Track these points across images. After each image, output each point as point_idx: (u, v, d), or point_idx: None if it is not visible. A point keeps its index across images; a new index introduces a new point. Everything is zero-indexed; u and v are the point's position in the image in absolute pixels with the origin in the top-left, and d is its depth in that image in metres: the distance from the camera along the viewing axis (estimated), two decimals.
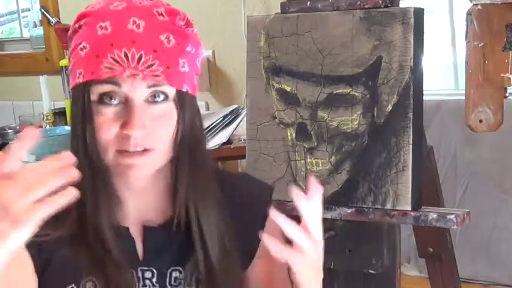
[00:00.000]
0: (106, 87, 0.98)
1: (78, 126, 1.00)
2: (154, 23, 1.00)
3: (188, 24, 1.03)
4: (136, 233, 1.06)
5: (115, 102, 0.98)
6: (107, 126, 0.98)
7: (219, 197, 1.08)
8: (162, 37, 0.99)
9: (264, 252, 1.10)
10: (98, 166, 1.01)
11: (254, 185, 1.19)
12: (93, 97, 0.98)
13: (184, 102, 1.01)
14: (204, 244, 1.04)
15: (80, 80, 0.98)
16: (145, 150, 0.99)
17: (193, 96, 1.04)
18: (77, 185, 0.95)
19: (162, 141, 1.00)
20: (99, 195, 1.02)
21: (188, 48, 1.02)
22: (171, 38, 1.00)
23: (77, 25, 1.02)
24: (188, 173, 1.04)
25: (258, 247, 1.10)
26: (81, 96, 0.99)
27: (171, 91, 1.00)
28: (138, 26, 0.98)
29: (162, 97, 0.99)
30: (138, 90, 0.98)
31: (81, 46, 0.99)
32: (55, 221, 0.95)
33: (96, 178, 1.01)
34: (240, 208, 1.11)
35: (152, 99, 0.99)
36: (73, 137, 1.03)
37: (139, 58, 0.96)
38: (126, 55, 0.96)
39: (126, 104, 0.98)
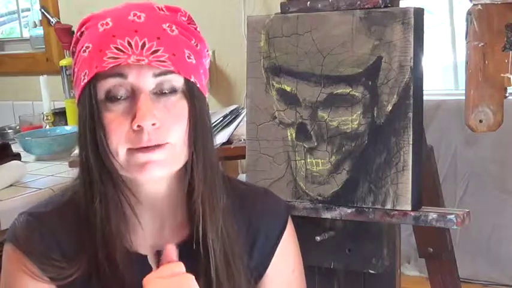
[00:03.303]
0: (112, 81, 0.94)
1: (87, 128, 0.95)
2: (155, 15, 0.98)
3: (190, 21, 1.02)
4: (151, 258, 1.03)
5: (122, 97, 0.94)
6: (116, 122, 0.94)
7: (229, 207, 1.04)
8: (165, 26, 0.96)
9: (274, 270, 1.11)
10: (110, 169, 0.96)
11: (274, 202, 1.15)
12: (100, 95, 0.95)
13: (194, 94, 0.97)
14: (210, 267, 1.01)
15: (86, 80, 0.94)
16: (160, 145, 0.94)
17: (203, 94, 1.00)
18: (88, 209, 0.94)
19: (176, 136, 0.96)
20: (111, 215, 0.97)
21: (193, 42, 0.99)
22: (174, 28, 0.97)
23: (78, 34, 1.00)
24: (202, 175, 0.99)
25: (269, 265, 1.10)
26: (87, 97, 0.95)
27: (179, 81, 0.96)
28: (139, 17, 0.96)
29: (169, 89, 0.96)
30: (144, 79, 0.94)
31: (83, 48, 0.96)
32: (69, 260, 0.97)
33: (108, 188, 0.97)
34: (256, 225, 1.09)
35: (160, 91, 0.95)
36: (81, 145, 0.98)
37: (143, 45, 0.93)
38: (129, 43, 0.93)
39: (134, 96, 0.94)
